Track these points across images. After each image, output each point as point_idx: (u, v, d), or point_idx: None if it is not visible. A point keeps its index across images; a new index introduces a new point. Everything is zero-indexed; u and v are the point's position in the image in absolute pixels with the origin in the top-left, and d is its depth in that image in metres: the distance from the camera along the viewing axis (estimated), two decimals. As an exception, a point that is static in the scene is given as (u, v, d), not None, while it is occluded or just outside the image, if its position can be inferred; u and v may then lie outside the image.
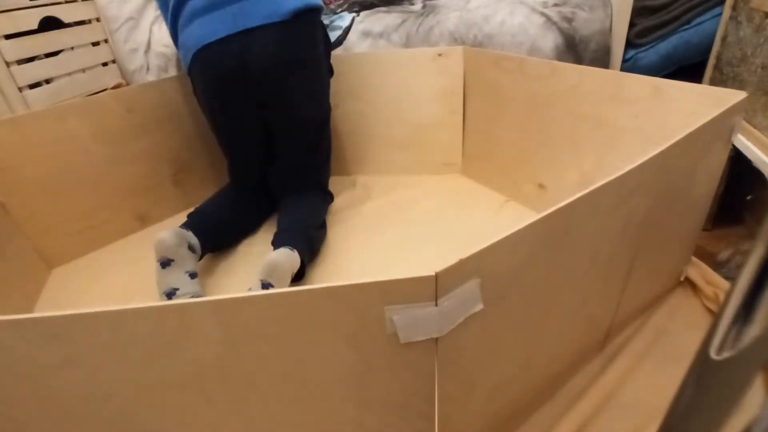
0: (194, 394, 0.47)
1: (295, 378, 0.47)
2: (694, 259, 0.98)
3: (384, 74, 1.31)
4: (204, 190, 1.34)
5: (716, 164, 0.82)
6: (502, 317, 0.52)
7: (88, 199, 1.15)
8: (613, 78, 0.95)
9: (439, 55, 1.25)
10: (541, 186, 1.16)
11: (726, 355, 0.27)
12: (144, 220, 1.25)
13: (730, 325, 0.27)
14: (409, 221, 1.19)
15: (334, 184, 1.40)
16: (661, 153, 0.59)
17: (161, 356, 0.43)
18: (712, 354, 0.28)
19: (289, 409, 0.49)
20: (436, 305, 0.42)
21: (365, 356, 0.46)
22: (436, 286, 0.41)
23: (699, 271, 0.96)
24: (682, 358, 0.85)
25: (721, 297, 0.90)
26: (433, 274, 0.40)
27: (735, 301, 0.27)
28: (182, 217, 1.27)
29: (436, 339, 0.45)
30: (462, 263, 0.42)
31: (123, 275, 1.09)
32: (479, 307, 0.46)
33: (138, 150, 1.20)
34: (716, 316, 0.28)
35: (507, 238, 0.45)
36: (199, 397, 0.47)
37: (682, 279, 0.96)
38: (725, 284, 0.92)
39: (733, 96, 0.77)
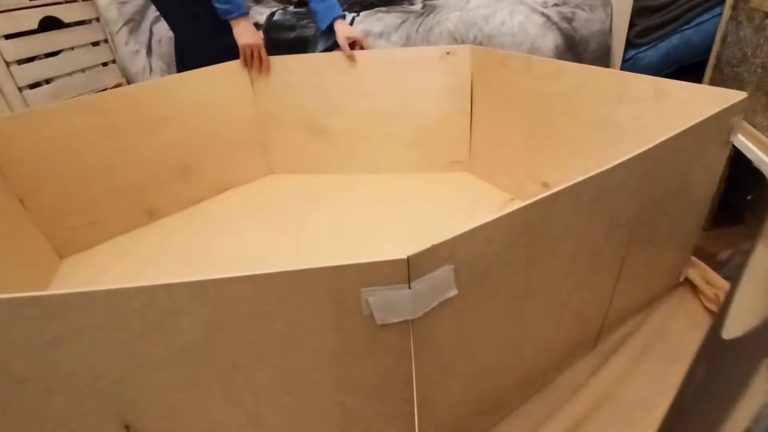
0: (183, 372, 0.50)
1: (279, 357, 0.50)
2: (695, 259, 0.99)
3: (392, 72, 1.35)
4: (210, 185, 1.40)
5: (715, 164, 0.83)
6: (479, 304, 0.54)
7: (98, 193, 1.21)
8: (617, 78, 0.96)
9: (447, 53, 1.28)
10: (545, 185, 1.18)
11: (737, 335, 0.28)
12: (152, 214, 1.30)
13: (741, 306, 0.27)
14: (412, 218, 1.23)
15: (341, 181, 1.43)
16: (645, 153, 0.61)
17: (151, 334, 0.47)
18: (724, 334, 0.28)
19: (274, 388, 0.52)
20: (410, 287, 0.45)
21: (344, 337, 0.49)
22: (408, 269, 0.44)
23: (699, 272, 0.97)
24: (679, 358, 0.86)
25: (722, 298, 0.90)
26: (405, 257, 0.43)
27: (746, 283, 0.27)
28: (189, 212, 1.34)
29: (411, 321, 0.47)
30: (434, 248, 0.45)
31: (130, 266, 1.14)
32: (453, 292, 0.49)
33: (146, 146, 1.25)
34: (727, 297, 0.29)
35: (480, 227, 0.48)
36: (187, 375, 0.50)
37: (681, 279, 0.97)
38: (726, 285, 0.93)
39: (736, 97, 0.77)
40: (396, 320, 0.47)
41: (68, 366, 0.47)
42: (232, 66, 1.35)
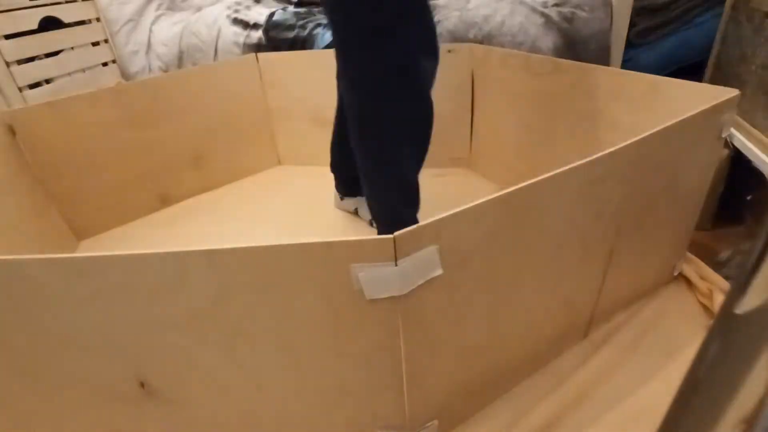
0: (192, 336, 0.54)
1: (278, 326, 0.54)
2: (690, 255, 1.01)
3: (395, 69, 1.38)
4: (221, 175, 1.48)
5: (707, 160, 0.85)
6: (465, 285, 0.58)
7: (116, 179, 1.29)
8: (612, 75, 0.99)
9: (449, 51, 1.31)
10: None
11: (749, 309, 0.28)
12: (165, 201, 1.38)
13: (754, 280, 0.28)
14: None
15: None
16: (629, 145, 0.64)
17: (163, 298, 0.51)
18: (736, 309, 0.29)
19: (274, 355, 0.56)
20: (396, 265, 0.49)
21: (336, 310, 0.52)
22: (395, 248, 0.48)
23: (693, 267, 0.99)
24: (669, 350, 0.89)
25: (716, 293, 0.92)
26: (392, 236, 0.47)
27: (758, 257, 0.28)
28: (201, 199, 1.40)
29: (399, 298, 0.51)
30: (420, 228, 0.49)
31: (144, 248, 1.20)
32: (438, 271, 0.52)
33: (162, 135, 1.33)
34: (740, 272, 0.30)
35: (466, 210, 0.51)
36: (194, 339, 0.54)
37: (676, 274, 0.99)
38: (720, 280, 0.95)
39: (727, 94, 0.80)
40: (384, 295, 0.50)
41: (91, 325, 0.53)
42: (244, 60, 1.42)
